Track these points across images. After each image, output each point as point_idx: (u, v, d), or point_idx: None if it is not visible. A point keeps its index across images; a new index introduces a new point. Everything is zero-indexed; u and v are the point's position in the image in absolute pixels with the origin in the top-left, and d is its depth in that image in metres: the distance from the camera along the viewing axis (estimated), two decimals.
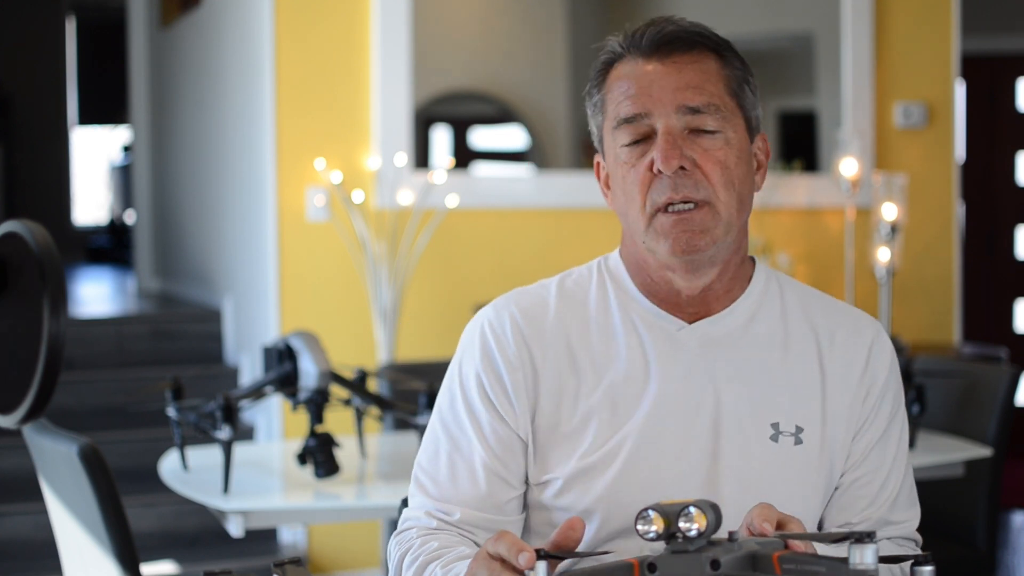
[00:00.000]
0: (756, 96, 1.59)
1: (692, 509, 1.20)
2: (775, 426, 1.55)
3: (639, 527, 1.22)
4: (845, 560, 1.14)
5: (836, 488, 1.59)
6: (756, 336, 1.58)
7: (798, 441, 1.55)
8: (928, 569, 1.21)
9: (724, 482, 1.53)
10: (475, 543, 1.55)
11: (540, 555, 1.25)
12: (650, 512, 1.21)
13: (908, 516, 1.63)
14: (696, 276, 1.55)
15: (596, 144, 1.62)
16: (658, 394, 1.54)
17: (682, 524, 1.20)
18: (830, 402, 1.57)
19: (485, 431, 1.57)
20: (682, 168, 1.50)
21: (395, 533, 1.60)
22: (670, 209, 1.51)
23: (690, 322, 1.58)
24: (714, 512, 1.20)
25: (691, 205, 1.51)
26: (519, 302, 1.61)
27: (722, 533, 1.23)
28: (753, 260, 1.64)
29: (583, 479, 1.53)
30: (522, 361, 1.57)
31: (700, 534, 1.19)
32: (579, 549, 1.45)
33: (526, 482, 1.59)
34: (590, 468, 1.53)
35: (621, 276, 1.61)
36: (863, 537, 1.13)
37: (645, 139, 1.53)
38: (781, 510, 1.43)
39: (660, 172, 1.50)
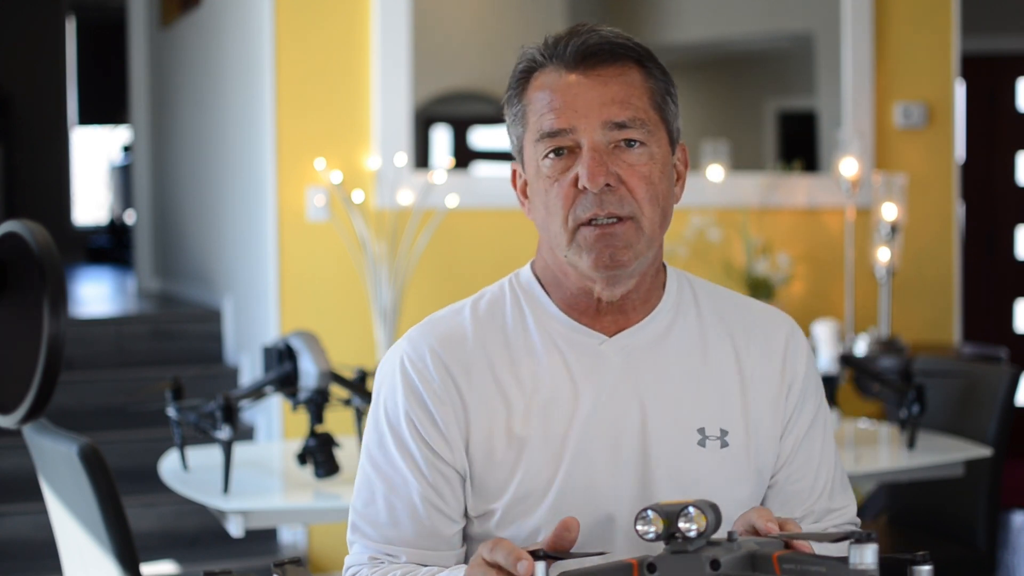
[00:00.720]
0: (677, 107, 1.57)
1: (692, 509, 1.20)
2: (701, 431, 1.55)
3: (638, 528, 1.22)
4: (844, 560, 1.14)
5: (770, 487, 1.60)
6: (675, 344, 1.58)
7: (724, 444, 1.55)
8: (927, 569, 1.21)
9: (658, 492, 1.53)
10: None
11: (539, 555, 1.25)
12: (649, 512, 1.21)
13: (846, 501, 1.65)
14: (615, 287, 1.54)
15: (514, 153, 1.59)
16: (588, 412, 1.53)
17: (682, 524, 1.20)
18: (752, 402, 1.58)
19: (421, 467, 1.53)
20: (607, 185, 1.48)
21: None
22: (593, 223, 1.50)
23: (610, 335, 1.56)
24: (714, 512, 1.20)
25: (614, 219, 1.49)
26: (435, 331, 1.57)
27: (720, 534, 1.23)
28: (664, 265, 1.63)
29: (523, 506, 1.52)
30: (449, 394, 1.53)
31: (700, 534, 1.19)
32: None
33: (465, 516, 1.56)
34: (529, 495, 1.52)
35: (535, 292, 1.59)
36: (863, 537, 1.13)
37: (569, 153, 1.50)
38: None
39: (585, 189, 1.49)
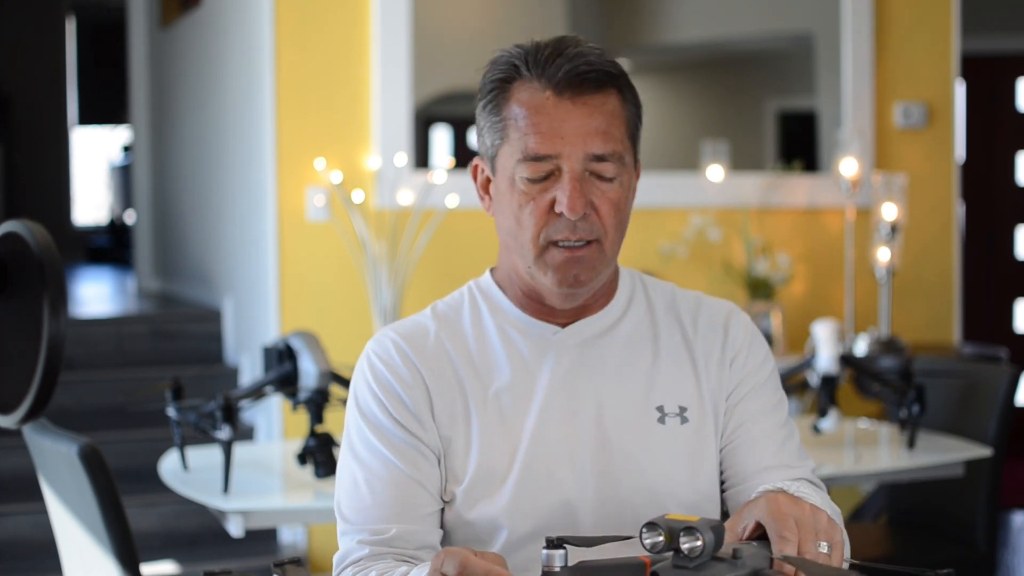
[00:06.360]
0: (641, 130, 1.63)
1: (692, 529, 1.21)
2: (660, 409, 1.62)
3: (645, 540, 1.23)
4: (845, 572, 1.14)
5: (724, 446, 1.64)
6: (627, 331, 1.66)
7: (684, 420, 1.62)
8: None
9: (619, 472, 1.58)
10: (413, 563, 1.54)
11: (555, 542, 1.25)
12: (657, 524, 1.22)
13: (802, 464, 1.66)
14: (571, 302, 1.62)
15: (484, 155, 1.63)
16: (545, 396, 1.60)
17: (683, 541, 1.21)
18: (703, 380, 1.64)
19: (399, 447, 1.59)
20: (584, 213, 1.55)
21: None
22: (562, 244, 1.56)
23: (563, 327, 1.64)
24: (713, 533, 1.21)
25: (583, 242, 1.56)
26: (398, 330, 1.66)
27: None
28: (617, 268, 1.70)
29: (483, 489, 1.58)
30: (415, 380, 1.61)
31: (700, 553, 1.20)
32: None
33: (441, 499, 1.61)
34: (489, 478, 1.58)
35: (493, 292, 1.68)
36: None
37: (547, 176, 1.56)
38: (680, 488, 1.56)
39: (561, 213, 1.55)
